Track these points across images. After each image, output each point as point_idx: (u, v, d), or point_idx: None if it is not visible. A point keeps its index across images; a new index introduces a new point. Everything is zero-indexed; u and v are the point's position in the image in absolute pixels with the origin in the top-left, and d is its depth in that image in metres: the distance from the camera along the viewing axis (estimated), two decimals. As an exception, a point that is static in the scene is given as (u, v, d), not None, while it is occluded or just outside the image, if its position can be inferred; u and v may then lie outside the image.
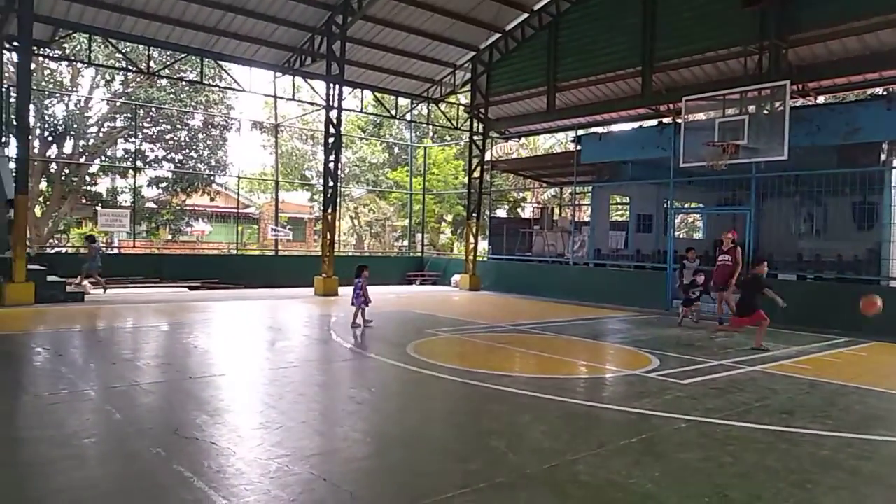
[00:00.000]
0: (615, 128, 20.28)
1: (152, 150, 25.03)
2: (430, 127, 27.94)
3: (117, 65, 21.14)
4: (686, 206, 21.65)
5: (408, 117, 22.81)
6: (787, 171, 13.63)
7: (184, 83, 23.16)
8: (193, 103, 24.41)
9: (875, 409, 6.25)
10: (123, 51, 18.31)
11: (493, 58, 19.81)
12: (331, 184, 16.95)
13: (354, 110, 21.05)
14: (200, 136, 25.36)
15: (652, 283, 15.71)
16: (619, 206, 23.01)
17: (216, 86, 20.98)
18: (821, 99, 15.01)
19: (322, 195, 17.25)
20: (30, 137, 16.50)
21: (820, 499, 3.94)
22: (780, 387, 7.18)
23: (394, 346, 9.19)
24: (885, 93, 13.08)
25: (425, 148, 26.17)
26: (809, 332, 11.52)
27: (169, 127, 24.70)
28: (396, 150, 31.23)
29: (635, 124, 18.17)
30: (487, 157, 24.95)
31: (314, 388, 6.61)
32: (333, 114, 16.95)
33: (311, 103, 19.25)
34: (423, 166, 25.28)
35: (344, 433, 5.09)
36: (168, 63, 19.40)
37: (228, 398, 6.08)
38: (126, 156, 24.77)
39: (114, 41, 17.42)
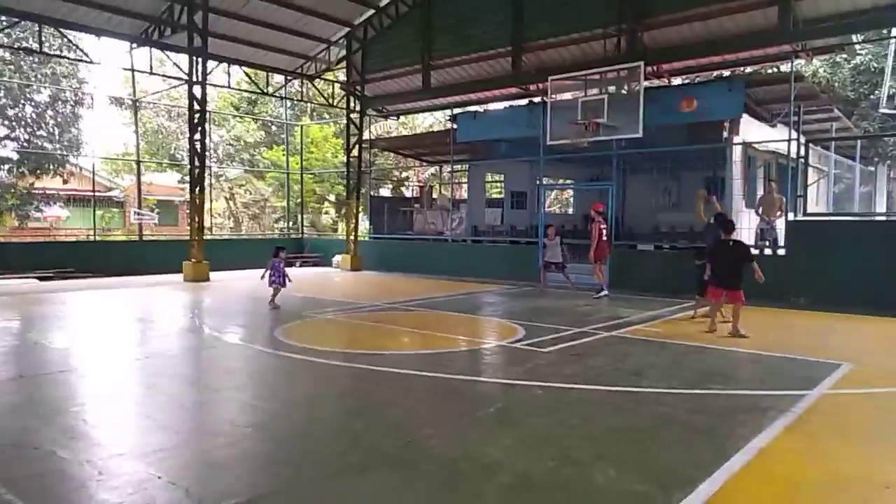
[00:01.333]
0: (492, 107, 20.67)
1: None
2: (309, 105, 27.09)
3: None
4: (558, 182, 22.54)
5: (282, 93, 21.95)
6: (644, 148, 14.50)
7: (23, 53, 20.79)
8: (38, 76, 22.03)
9: (712, 366, 6.82)
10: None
11: (367, 34, 19.43)
12: (197, 163, 15.97)
13: (220, 85, 19.90)
14: (49, 112, 23.00)
15: (525, 258, 16.23)
16: (497, 185, 23.57)
17: (60, 56, 19.02)
18: (676, 81, 16.07)
19: (189, 175, 16.18)
20: None
21: (657, 453, 4.22)
22: (634, 350, 7.67)
23: (264, 331, 8.87)
24: (728, 75, 14.24)
25: (302, 126, 25.34)
26: (664, 297, 12.43)
27: (10, 102, 22.15)
28: (274, 128, 30.02)
29: (508, 104, 18.59)
30: (367, 135, 24.68)
31: (167, 380, 6.21)
32: (197, 89, 15.93)
33: (175, 77, 17.93)
34: (301, 145, 24.46)
35: (195, 426, 4.82)
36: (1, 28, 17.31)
37: (66, 397, 5.57)
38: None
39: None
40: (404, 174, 28.35)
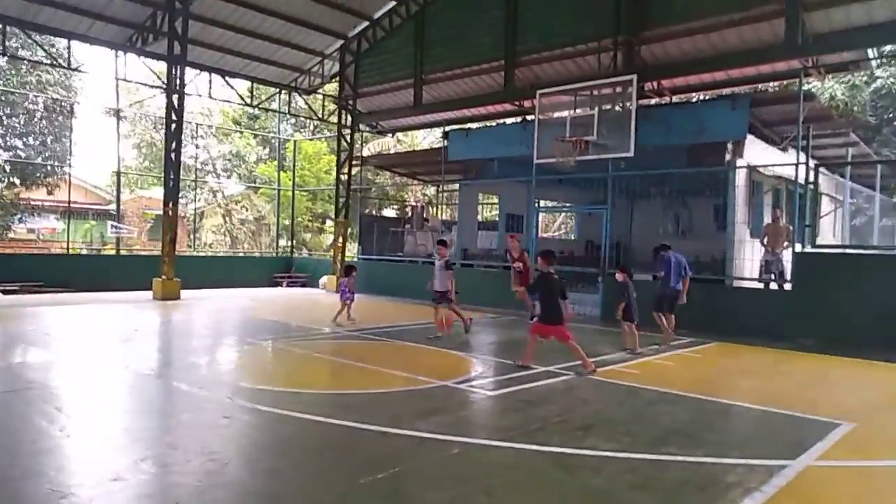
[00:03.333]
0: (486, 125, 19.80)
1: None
2: (307, 120, 26.50)
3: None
4: (552, 205, 21.49)
5: (271, 106, 21.33)
6: (641, 171, 13.46)
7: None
8: (23, 83, 21.65)
9: (679, 421, 5.72)
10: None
11: (361, 47, 18.80)
12: (172, 176, 15.26)
13: (195, 95, 19.27)
14: (43, 122, 22.64)
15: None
16: (493, 206, 22.60)
17: (34, 61, 18.51)
18: (676, 99, 15.06)
19: (163, 187, 15.48)
20: None
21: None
22: (595, 396, 6.59)
23: (182, 358, 7.95)
24: (730, 93, 13.20)
25: (295, 142, 24.69)
26: (658, 332, 11.26)
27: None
28: (275, 143, 29.54)
29: (502, 121, 17.73)
30: (365, 153, 23.95)
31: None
32: (176, 98, 15.29)
33: (156, 86, 17.37)
34: (294, 161, 23.78)
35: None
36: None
37: None
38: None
39: None
40: (401, 194, 27.47)
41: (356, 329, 10.97)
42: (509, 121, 17.15)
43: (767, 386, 7.63)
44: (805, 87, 12.09)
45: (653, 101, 14.76)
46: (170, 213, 15.30)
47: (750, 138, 12.81)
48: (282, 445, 4.72)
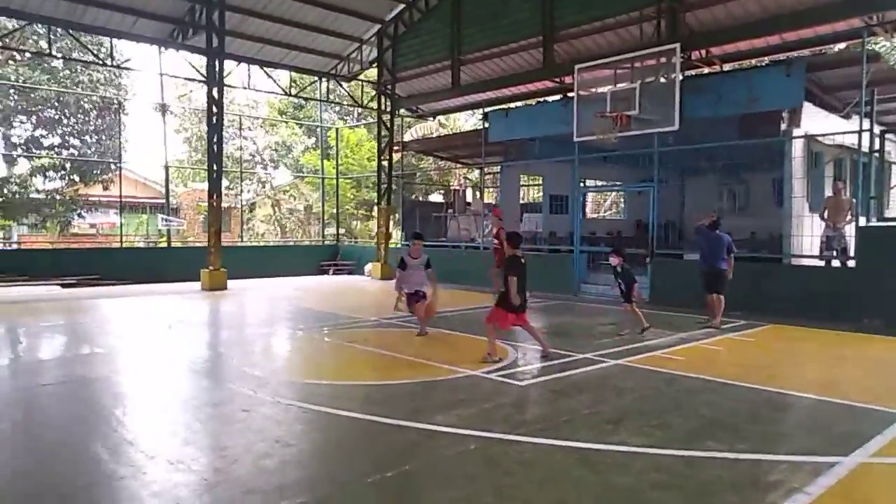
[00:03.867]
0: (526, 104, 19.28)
1: (44, 137, 23.04)
2: (352, 108, 26.49)
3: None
4: (596, 185, 20.80)
5: (313, 95, 21.36)
6: (689, 146, 12.77)
7: (54, 60, 21.14)
8: (73, 84, 22.37)
9: (722, 412, 5.32)
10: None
11: (398, 31, 18.55)
12: (215, 168, 15.49)
13: (238, 87, 19.42)
14: (99, 121, 23.42)
15: (562, 267, 14.80)
16: (536, 187, 22.06)
17: (83, 61, 19.02)
18: (727, 68, 14.18)
19: (207, 179, 15.73)
20: None
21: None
22: (631, 385, 6.23)
23: (215, 349, 7.99)
24: (785, 58, 12.29)
25: (337, 129, 24.72)
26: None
27: (56, 114, 22.66)
28: (319, 133, 29.74)
29: (543, 99, 17.19)
30: (407, 137, 23.78)
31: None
32: (216, 91, 15.46)
33: (196, 80, 17.62)
34: (336, 148, 23.82)
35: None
36: (28, 37, 17.55)
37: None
38: (19, 143, 22.79)
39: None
40: (447, 178, 27.21)
41: (398, 317, 10.83)
42: (550, 99, 16.58)
43: (825, 372, 7.09)
44: (870, 48, 11.12)
45: (705, 71, 13.98)
46: (214, 204, 15.54)
47: (808, 106, 11.93)
48: (294, 440, 4.59)
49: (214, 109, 15.41)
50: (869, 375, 6.80)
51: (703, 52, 13.14)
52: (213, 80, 15.46)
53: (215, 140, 15.50)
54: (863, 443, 4.49)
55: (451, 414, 5.15)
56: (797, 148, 11.75)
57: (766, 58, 13.59)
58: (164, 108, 18.47)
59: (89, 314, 11.20)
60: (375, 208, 20.54)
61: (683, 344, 8.38)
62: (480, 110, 21.87)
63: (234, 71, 18.95)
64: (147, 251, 20.99)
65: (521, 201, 21.01)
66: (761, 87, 11.68)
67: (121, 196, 17.77)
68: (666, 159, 15.99)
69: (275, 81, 19.82)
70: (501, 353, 7.34)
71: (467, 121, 28.63)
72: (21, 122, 22.83)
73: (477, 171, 25.52)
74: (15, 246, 23.57)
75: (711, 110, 12.35)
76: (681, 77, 11.71)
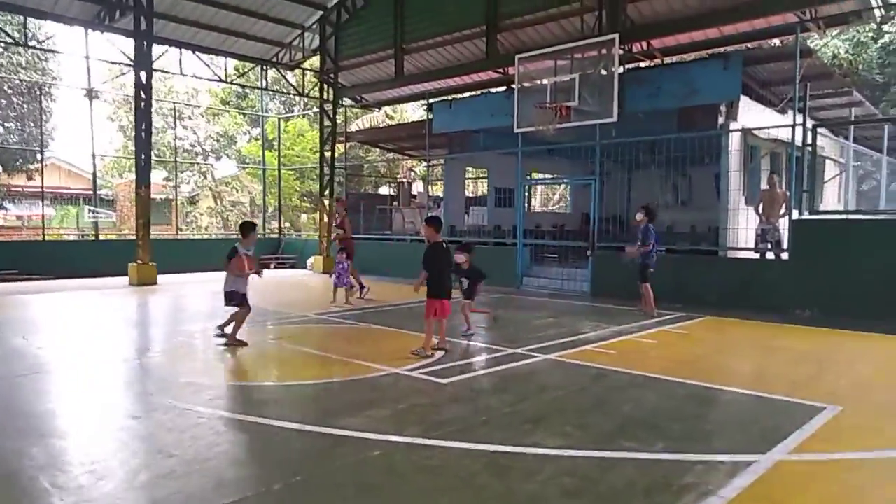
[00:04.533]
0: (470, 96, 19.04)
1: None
2: (297, 97, 25.76)
3: None
4: (540, 178, 20.72)
5: (240, 83, 20.61)
6: (630, 139, 12.71)
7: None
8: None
9: (645, 409, 5.13)
10: None
11: (340, 18, 18.02)
12: (143, 156, 14.69)
13: (164, 71, 18.60)
14: (25, 107, 22.10)
15: (505, 261, 14.61)
16: (481, 181, 21.86)
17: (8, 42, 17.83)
18: (667, 61, 14.22)
19: (135, 168, 14.88)
20: None
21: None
22: (557, 381, 6.02)
23: (124, 345, 7.43)
24: (723, 52, 12.36)
25: (279, 119, 23.99)
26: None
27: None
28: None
29: (487, 90, 16.94)
30: (354, 129, 23.25)
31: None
32: (143, 76, 14.65)
33: (123, 63, 16.67)
34: (279, 139, 23.11)
35: None
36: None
37: None
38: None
39: None
40: (396, 171, 26.73)
41: (330, 312, 10.43)
42: (494, 90, 16.35)
43: (753, 365, 7.05)
44: (805, 44, 11.25)
45: (644, 64, 13.97)
46: (142, 195, 14.77)
47: (745, 100, 12.03)
48: (178, 450, 4.16)
49: (143, 95, 14.60)
50: (795, 368, 6.76)
51: (645, 44, 13.12)
52: (141, 64, 14.65)
53: (143, 127, 14.70)
54: (782, 439, 4.35)
55: (362, 416, 4.81)
56: (734, 141, 11.82)
57: (705, 52, 13.66)
58: (91, 94, 17.47)
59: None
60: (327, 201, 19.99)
61: (617, 337, 8.24)
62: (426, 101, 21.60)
63: (168, 56, 18.15)
64: (73, 244, 19.86)
65: (470, 194, 20.80)
66: (700, 80, 11.72)
67: (42, 186, 16.74)
68: (611, 152, 15.95)
69: (210, 68, 19.02)
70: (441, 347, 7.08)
71: (415, 112, 28.24)
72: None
73: (425, 164, 25.23)
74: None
75: (651, 103, 12.32)
76: (621, 70, 11.61)
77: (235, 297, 7.45)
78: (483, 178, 21.47)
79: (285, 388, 5.84)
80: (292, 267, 20.37)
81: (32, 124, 21.90)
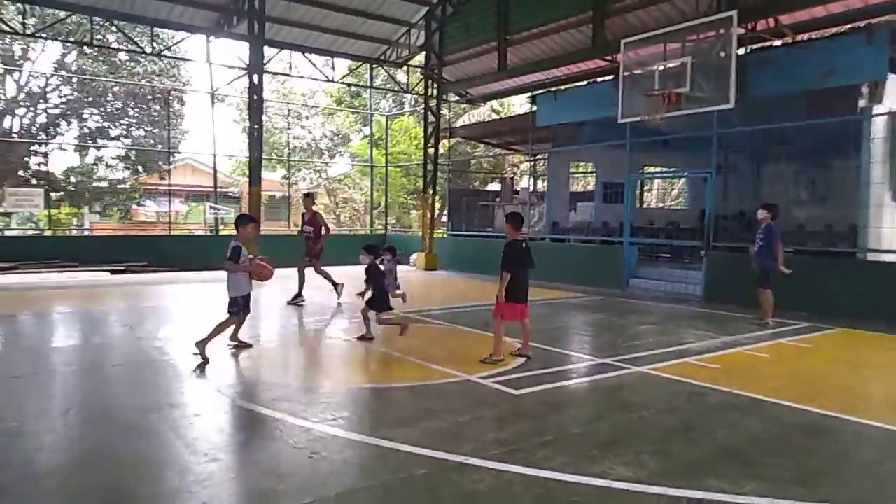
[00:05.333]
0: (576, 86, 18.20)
1: (110, 128, 23.89)
2: (407, 95, 26.08)
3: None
4: (651, 172, 19.38)
5: (359, 82, 21.01)
6: (753, 127, 11.48)
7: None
8: (131, 75, 22.97)
9: (742, 438, 4.42)
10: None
11: (445, 12, 17.87)
12: (255, 155, 15.35)
13: (278, 73, 19.30)
14: (159, 111, 24.06)
15: (611, 260, 13.80)
16: (589, 175, 20.86)
17: (131, 50, 19.30)
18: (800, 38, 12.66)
19: (249, 167, 15.60)
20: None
21: None
22: (644, 399, 5.38)
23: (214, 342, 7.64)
24: (865, 25, 10.74)
25: (386, 117, 24.32)
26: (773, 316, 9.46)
27: (119, 104, 23.41)
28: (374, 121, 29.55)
29: (593, 80, 16.06)
30: (460, 124, 23.12)
31: None
32: (256, 78, 15.29)
33: (239, 68, 17.55)
34: (386, 136, 23.44)
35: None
36: (86, 30, 17.98)
37: None
38: (86, 133, 23.75)
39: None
40: (502, 167, 26.29)
41: (420, 310, 10.26)
42: (600, 80, 15.45)
43: (890, 390, 5.97)
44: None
45: (776, 44, 12.53)
46: (255, 193, 15.42)
47: (893, 79, 10.41)
48: (222, 453, 4.08)
49: (255, 97, 15.25)
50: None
51: (772, 21, 11.75)
52: (254, 67, 15.30)
53: (255, 128, 15.35)
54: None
55: (418, 427, 4.52)
56: (879, 127, 10.27)
57: (846, 26, 12.02)
58: (213, 97, 18.58)
59: (106, 301, 11.25)
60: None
61: (725, 349, 7.36)
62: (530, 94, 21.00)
63: (281, 58, 18.92)
64: (194, 239, 21.29)
65: (576, 189, 19.97)
66: (837, 58, 10.28)
67: (169, 185, 18.06)
68: (735, 143, 14.56)
69: (318, 69, 19.59)
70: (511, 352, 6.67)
71: (521, 106, 27.63)
72: (92, 114, 23.79)
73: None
74: (87, 232, 24.68)
75: (778, 85, 11.01)
76: (741, 51, 10.46)
77: (236, 305, 6.92)
78: (591, 172, 20.52)
79: (347, 391, 5.67)
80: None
81: (163, 128, 23.83)
